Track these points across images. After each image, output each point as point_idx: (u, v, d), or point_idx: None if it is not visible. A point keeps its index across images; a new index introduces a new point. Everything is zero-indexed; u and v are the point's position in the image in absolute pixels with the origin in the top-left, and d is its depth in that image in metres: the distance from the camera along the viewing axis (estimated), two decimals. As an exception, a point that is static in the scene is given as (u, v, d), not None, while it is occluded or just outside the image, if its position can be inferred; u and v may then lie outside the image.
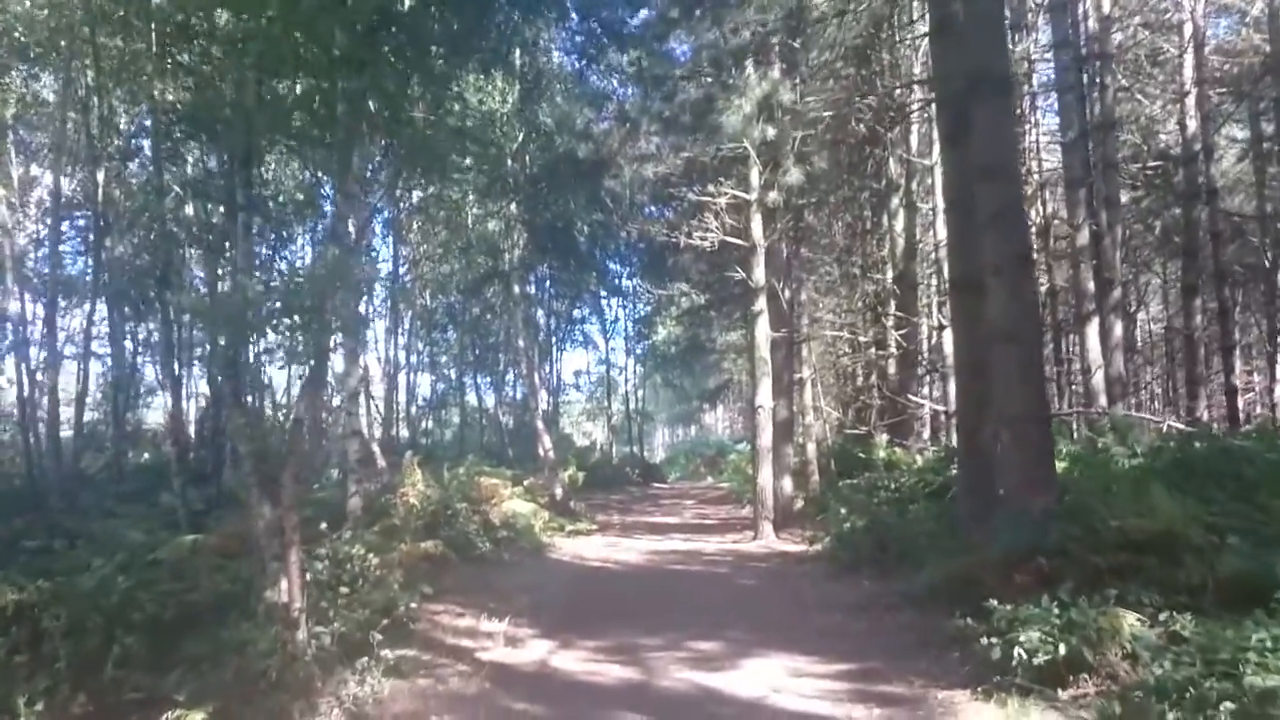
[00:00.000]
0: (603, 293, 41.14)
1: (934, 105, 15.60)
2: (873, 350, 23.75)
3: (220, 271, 17.98)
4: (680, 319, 36.83)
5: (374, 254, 30.57)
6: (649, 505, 29.15)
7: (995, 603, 7.51)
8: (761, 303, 18.27)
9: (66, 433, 19.75)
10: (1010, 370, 9.25)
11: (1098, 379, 17.82)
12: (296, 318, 6.31)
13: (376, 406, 32.81)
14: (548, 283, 37.66)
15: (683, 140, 19.64)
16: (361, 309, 26.26)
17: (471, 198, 28.00)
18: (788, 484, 20.13)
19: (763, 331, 18.29)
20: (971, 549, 9.48)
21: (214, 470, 18.68)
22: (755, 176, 18.06)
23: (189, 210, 18.88)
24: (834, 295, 26.27)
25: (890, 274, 22.92)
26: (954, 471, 15.31)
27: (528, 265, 28.33)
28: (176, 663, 6.49)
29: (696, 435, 72.37)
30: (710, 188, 18.08)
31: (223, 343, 6.57)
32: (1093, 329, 18.02)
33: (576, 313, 42.32)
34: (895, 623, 9.77)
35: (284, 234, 24.82)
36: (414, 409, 36.86)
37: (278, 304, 6.21)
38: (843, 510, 15.86)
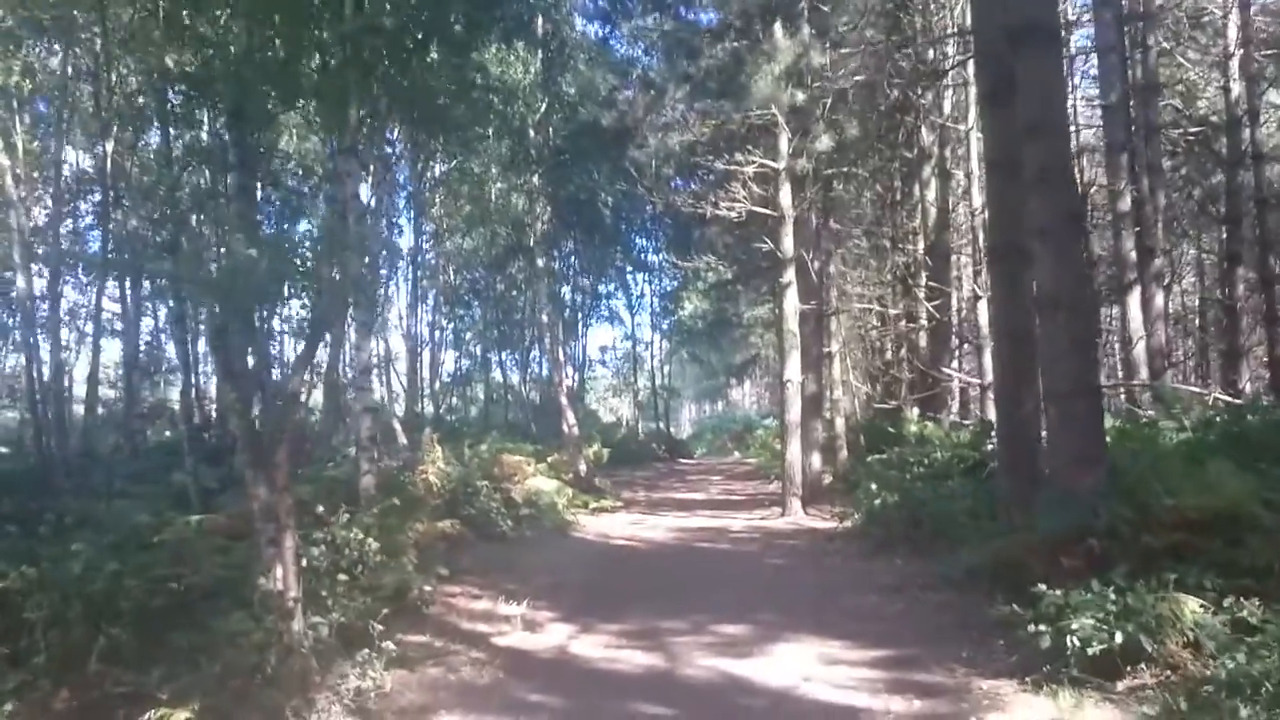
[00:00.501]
0: (628, 268, 40.64)
1: (972, 64, 15.00)
2: (903, 323, 23.19)
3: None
4: (707, 293, 36.43)
5: (396, 226, 30.32)
6: (675, 481, 28.87)
7: (1044, 587, 6.98)
8: (790, 274, 17.74)
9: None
10: (1057, 340, 8.64)
11: (1139, 351, 17.17)
12: (289, 286, 5.89)
13: (401, 382, 32.57)
14: (573, 258, 37.26)
15: (709, 106, 18.97)
16: (381, 283, 25.89)
17: (495, 170, 27.65)
18: (816, 459, 19.68)
19: (791, 304, 17.76)
20: (1015, 529, 8.93)
21: (230, 448, 18.37)
22: (784, 144, 17.49)
23: (203, 180, 18.48)
24: (863, 268, 25.65)
25: (921, 245, 22.35)
26: (990, 447, 14.85)
27: (552, 240, 27.94)
28: (167, 655, 6.08)
29: (723, 410, 71.80)
30: (738, 156, 17.51)
31: (218, 310, 6.09)
32: (1134, 299, 17.33)
33: (602, 288, 41.81)
34: (932, 605, 9.28)
35: (298, 204, 24.42)
36: (438, 385, 36.47)
37: (268, 269, 5.73)
38: (873, 486, 15.37)
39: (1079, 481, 8.27)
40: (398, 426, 20.99)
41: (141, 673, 5.87)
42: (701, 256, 20.80)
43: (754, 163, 17.46)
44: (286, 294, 6.36)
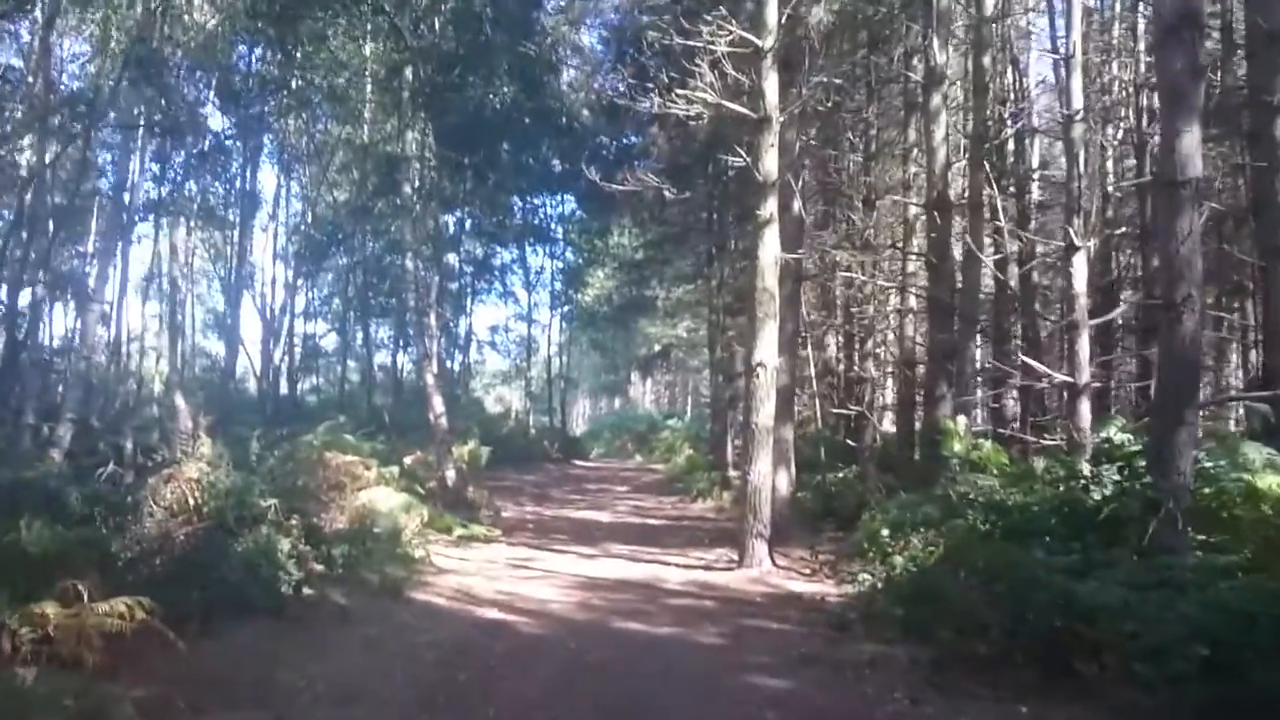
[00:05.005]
0: (530, 240, 34.62)
1: None
2: (897, 298, 17.87)
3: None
4: (620, 269, 31.81)
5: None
6: (571, 491, 23.38)
7: None
8: (771, 206, 11.82)
9: None
10: None
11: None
12: None
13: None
14: (466, 222, 31.34)
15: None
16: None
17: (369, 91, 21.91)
18: (784, 481, 13.98)
19: (770, 251, 11.81)
20: None
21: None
22: (772, 12, 11.68)
23: None
24: (831, 230, 20.04)
25: (914, 200, 17.21)
26: (1091, 487, 9.03)
27: (434, 186, 22.19)
28: None
29: (621, 408, 66.16)
30: (703, 27, 11.58)
31: None
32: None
33: (496, 260, 35.76)
34: None
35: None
36: (286, 361, 29.83)
37: None
38: (884, 532, 10.02)
39: None
40: (182, 405, 14.64)
41: None
42: (635, 168, 14.36)
43: (728, 34, 11.53)
44: None
